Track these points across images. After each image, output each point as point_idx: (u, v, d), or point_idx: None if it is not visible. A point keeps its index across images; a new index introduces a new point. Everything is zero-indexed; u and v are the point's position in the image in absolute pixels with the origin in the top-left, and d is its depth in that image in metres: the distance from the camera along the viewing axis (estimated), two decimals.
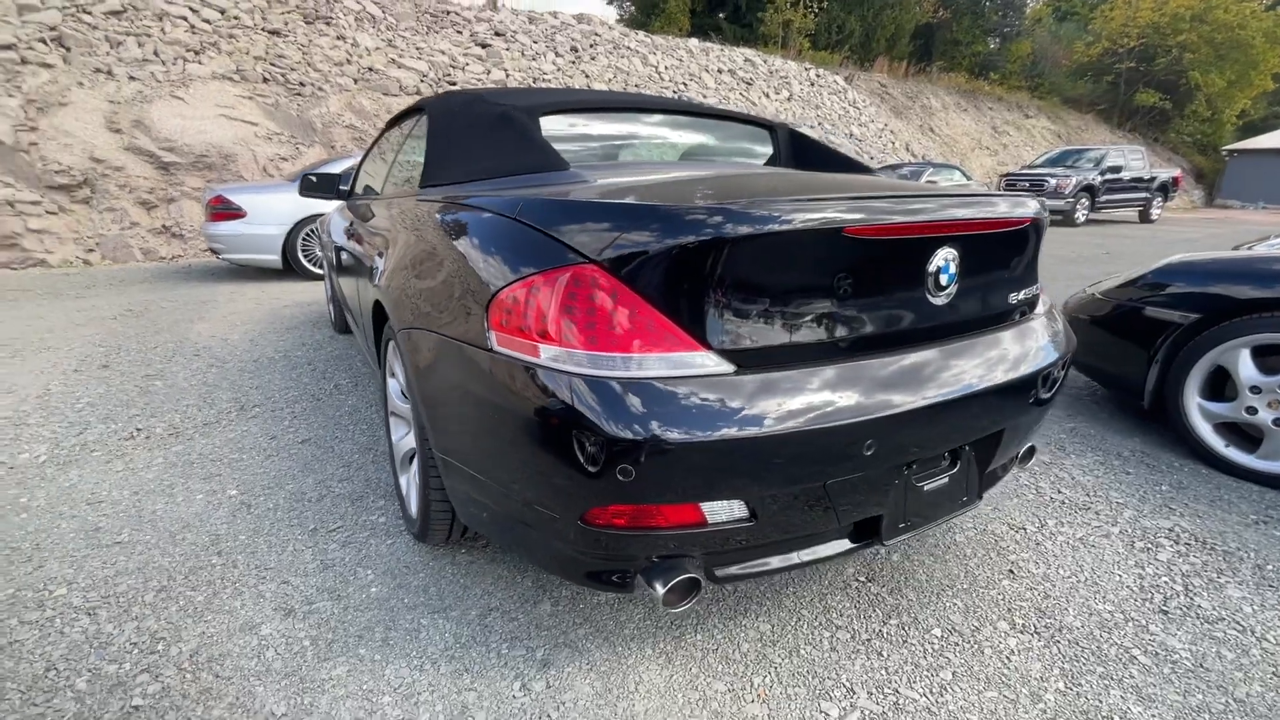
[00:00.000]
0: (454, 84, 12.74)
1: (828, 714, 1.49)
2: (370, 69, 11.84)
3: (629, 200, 1.33)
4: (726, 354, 1.28)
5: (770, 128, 2.64)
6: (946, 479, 1.56)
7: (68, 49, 8.96)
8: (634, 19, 34.29)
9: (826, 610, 1.84)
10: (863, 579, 1.99)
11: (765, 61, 20.56)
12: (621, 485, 1.22)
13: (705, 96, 17.45)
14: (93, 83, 8.79)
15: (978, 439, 1.58)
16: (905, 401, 1.35)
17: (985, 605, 1.86)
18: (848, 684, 1.58)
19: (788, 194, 1.38)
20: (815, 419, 1.26)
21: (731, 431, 1.22)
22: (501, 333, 1.35)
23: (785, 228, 1.25)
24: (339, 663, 1.64)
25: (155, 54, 9.66)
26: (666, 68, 17.32)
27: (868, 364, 1.38)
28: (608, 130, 2.35)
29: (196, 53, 10.06)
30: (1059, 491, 2.54)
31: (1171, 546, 2.16)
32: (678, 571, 1.35)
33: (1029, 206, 1.66)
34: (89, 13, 9.57)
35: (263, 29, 11.19)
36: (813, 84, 21.35)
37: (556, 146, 2.14)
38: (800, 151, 2.60)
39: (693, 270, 1.24)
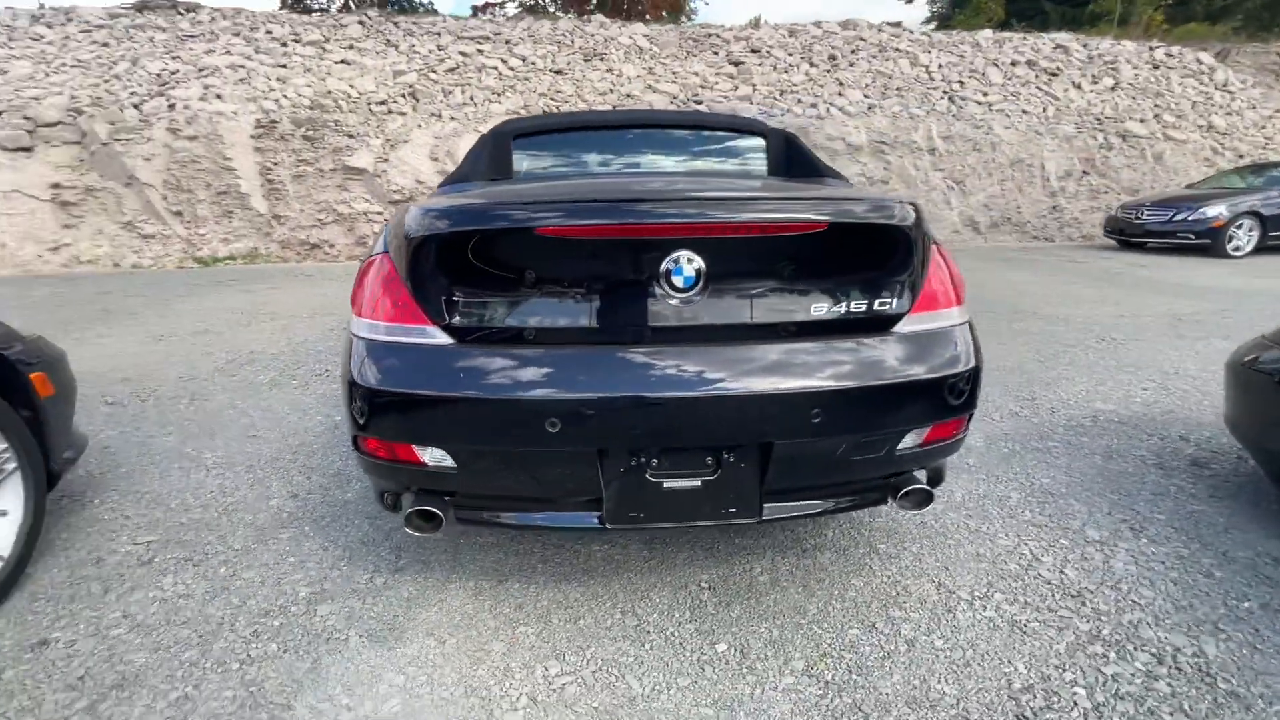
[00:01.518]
0: (699, 102, 13.66)
1: (548, 669, 1.61)
2: (629, 95, 13.45)
3: (426, 204, 1.68)
4: (450, 329, 1.55)
5: (764, 134, 2.57)
6: (699, 482, 1.54)
7: (417, 99, 12.27)
8: (939, 15, 32.00)
9: (642, 599, 1.88)
10: (705, 586, 1.94)
11: (1084, 46, 17.09)
12: (364, 422, 1.59)
13: (985, 94, 15.35)
14: (427, 124, 11.90)
15: (736, 448, 1.51)
16: (601, 391, 1.43)
17: (794, 640, 1.68)
18: (589, 657, 1.66)
19: (568, 197, 1.58)
20: (502, 390, 1.46)
21: (430, 391, 1.50)
22: None
23: (482, 226, 1.48)
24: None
25: (471, 99, 12.58)
26: (940, 66, 15.71)
27: (575, 352, 1.49)
28: (589, 147, 2.63)
29: (499, 94, 12.78)
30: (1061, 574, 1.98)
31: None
32: (420, 501, 1.66)
33: (828, 210, 1.50)
34: (435, 71, 12.93)
35: (550, 70, 13.62)
36: (1156, 66, 16.97)
37: (538, 163, 2.54)
38: (791, 159, 2.48)
39: (428, 259, 1.55)
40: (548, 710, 1.47)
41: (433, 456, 1.59)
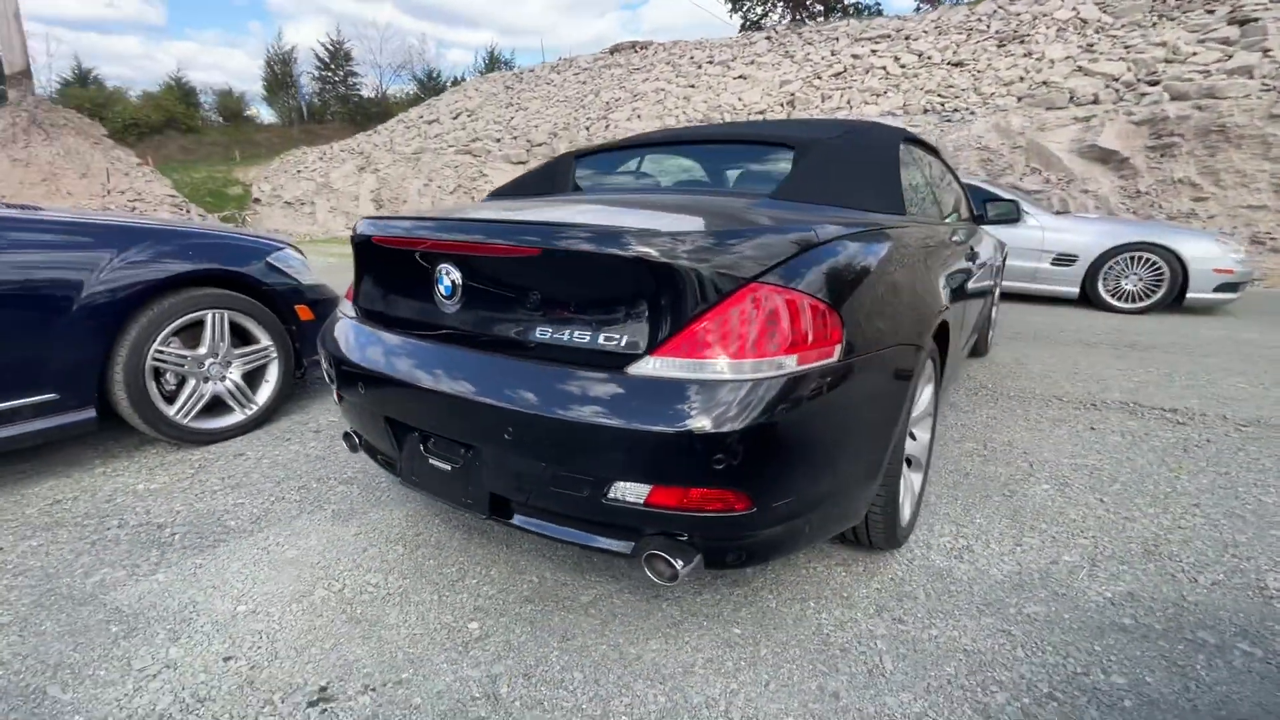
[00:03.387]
0: (1154, 83, 10.13)
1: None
2: (1044, 83, 10.95)
3: (367, 215, 2.05)
4: (360, 309, 1.91)
5: (799, 146, 1.95)
6: (449, 467, 1.53)
7: (794, 107, 12.62)
8: None
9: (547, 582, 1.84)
10: (640, 594, 1.77)
11: None
12: (332, 375, 2.10)
13: None
14: None
15: (467, 445, 1.46)
16: (381, 369, 1.57)
17: (629, 673, 1.43)
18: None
19: (413, 215, 1.80)
20: (354, 356, 1.75)
21: (336, 353, 1.90)
22: None
23: (356, 235, 1.76)
24: None
25: (848, 102, 12.25)
26: None
27: (395, 338, 1.65)
28: (627, 165, 2.49)
29: (879, 95, 12.09)
30: None
31: None
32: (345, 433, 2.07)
33: (536, 237, 1.25)
34: (820, 77, 13.02)
35: (947, 63, 12.12)
36: None
37: (587, 181, 2.60)
38: (828, 177, 1.85)
39: (357, 255, 1.94)
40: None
41: (343, 401, 1.99)
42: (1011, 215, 3.02)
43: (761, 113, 12.72)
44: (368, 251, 1.76)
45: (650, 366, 1.17)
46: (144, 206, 10.28)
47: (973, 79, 11.56)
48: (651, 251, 1.15)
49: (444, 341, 1.51)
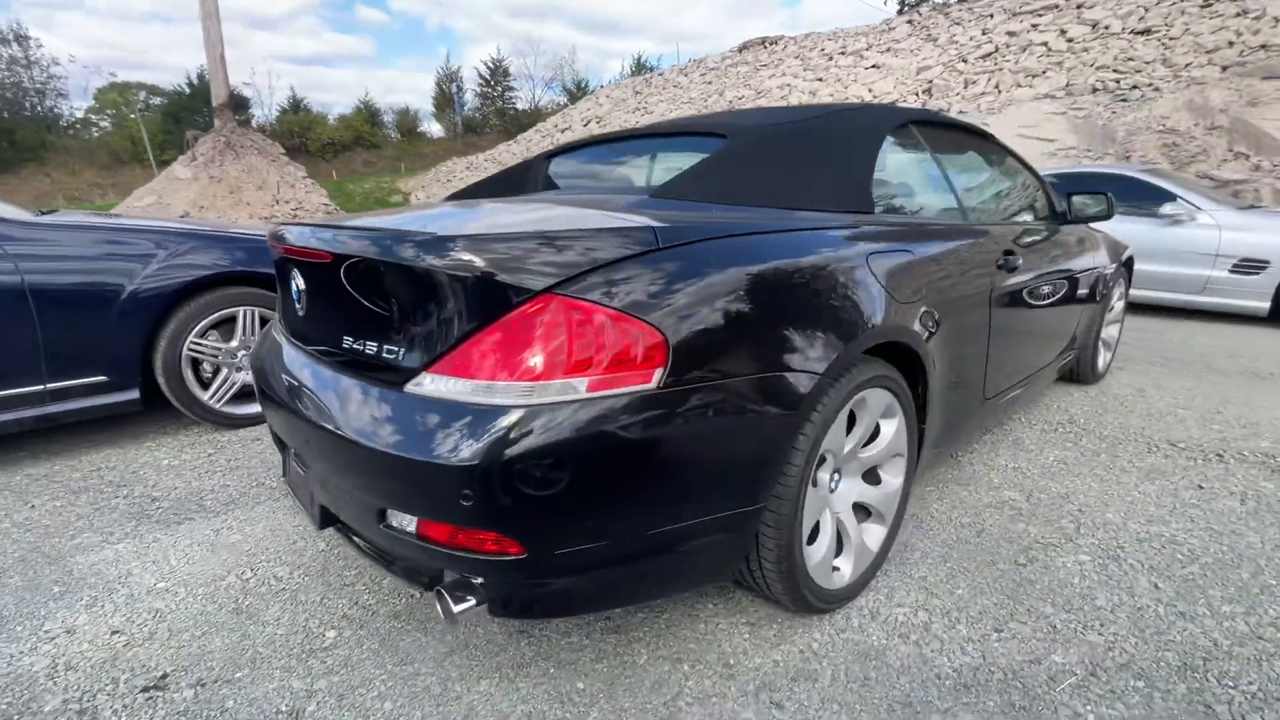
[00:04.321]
0: None
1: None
2: (1261, 46, 8.89)
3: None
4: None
5: (727, 135, 1.61)
6: (302, 474, 1.52)
7: (930, 95, 11.46)
8: None
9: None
10: (507, 627, 1.68)
11: None
12: None
13: None
14: None
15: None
16: (265, 374, 1.58)
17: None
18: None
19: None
20: (252, 361, 1.80)
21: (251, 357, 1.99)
22: None
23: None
24: None
25: (996, 86, 10.88)
26: None
27: (282, 344, 1.64)
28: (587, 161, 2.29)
29: (1034, 76, 10.59)
30: None
31: None
32: None
33: (332, 240, 1.16)
34: (965, 60, 11.70)
35: (1131, 31, 10.29)
36: None
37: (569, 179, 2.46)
38: (740, 174, 1.53)
39: None
40: None
41: None
42: (1101, 212, 2.43)
43: (891, 104, 11.69)
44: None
45: (425, 385, 1.05)
46: (302, 213, 11.93)
47: (1161, 48, 9.70)
48: (428, 258, 1.03)
49: (296, 349, 1.49)
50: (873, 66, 12.94)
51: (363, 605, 1.55)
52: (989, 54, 11.60)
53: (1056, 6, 11.69)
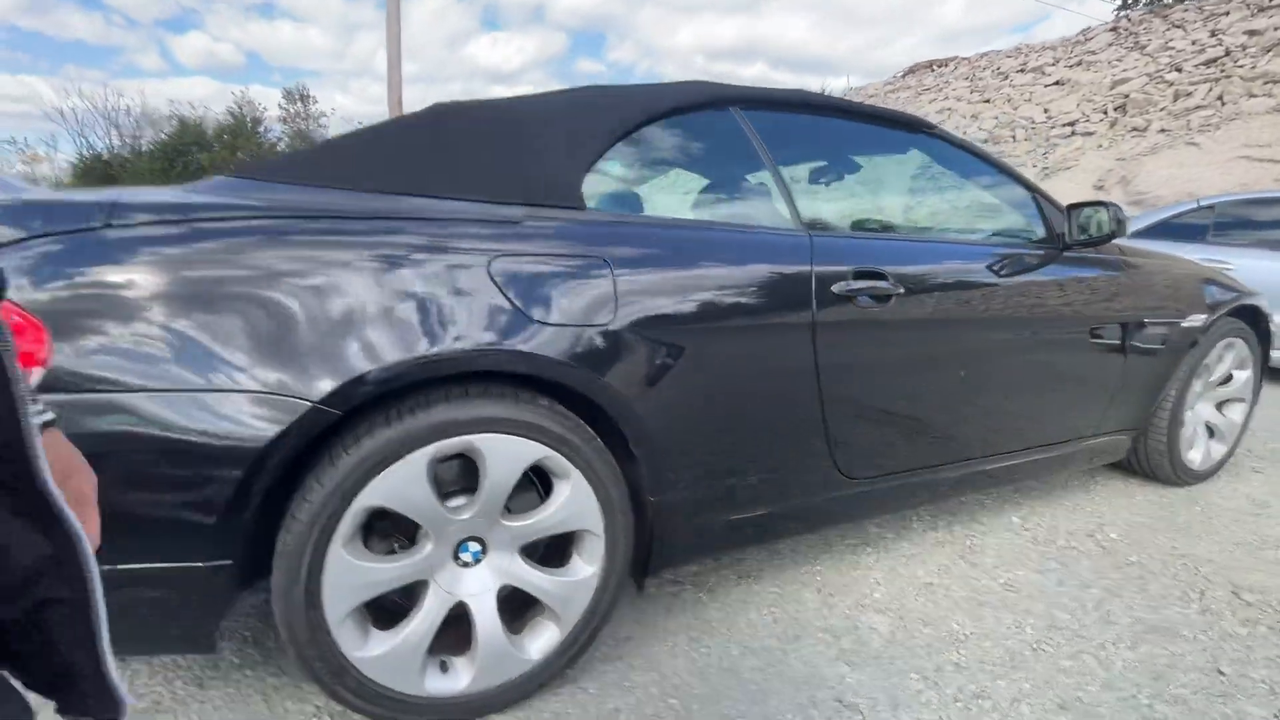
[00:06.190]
0: None
1: None
2: None
3: None
4: None
5: None
6: None
7: (1124, 112, 9.49)
8: None
9: None
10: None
11: None
12: None
13: None
14: (1114, 143, 9.07)
15: None
16: None
17: None
18: None
19: None
20: None
21: None
22: None
23: None
24: None
25: (1219, 97, 8.68)
26: None
27: None
28: None
29: (1273, 83, 8.28)
30: None
31: None
32: None
33: None
34: (1179, 69, 9.57)
35: None
36: None
37: None
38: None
39: None
40: None
41: None
42: (1105, 228, 1.65)
43: (1071, 124, 9.90)
44: None
45: None
46: None
47: None
48: None
49: None
50: (1055, 83, 11.09)
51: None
52: (1215, 59, 9.32)
53: None
